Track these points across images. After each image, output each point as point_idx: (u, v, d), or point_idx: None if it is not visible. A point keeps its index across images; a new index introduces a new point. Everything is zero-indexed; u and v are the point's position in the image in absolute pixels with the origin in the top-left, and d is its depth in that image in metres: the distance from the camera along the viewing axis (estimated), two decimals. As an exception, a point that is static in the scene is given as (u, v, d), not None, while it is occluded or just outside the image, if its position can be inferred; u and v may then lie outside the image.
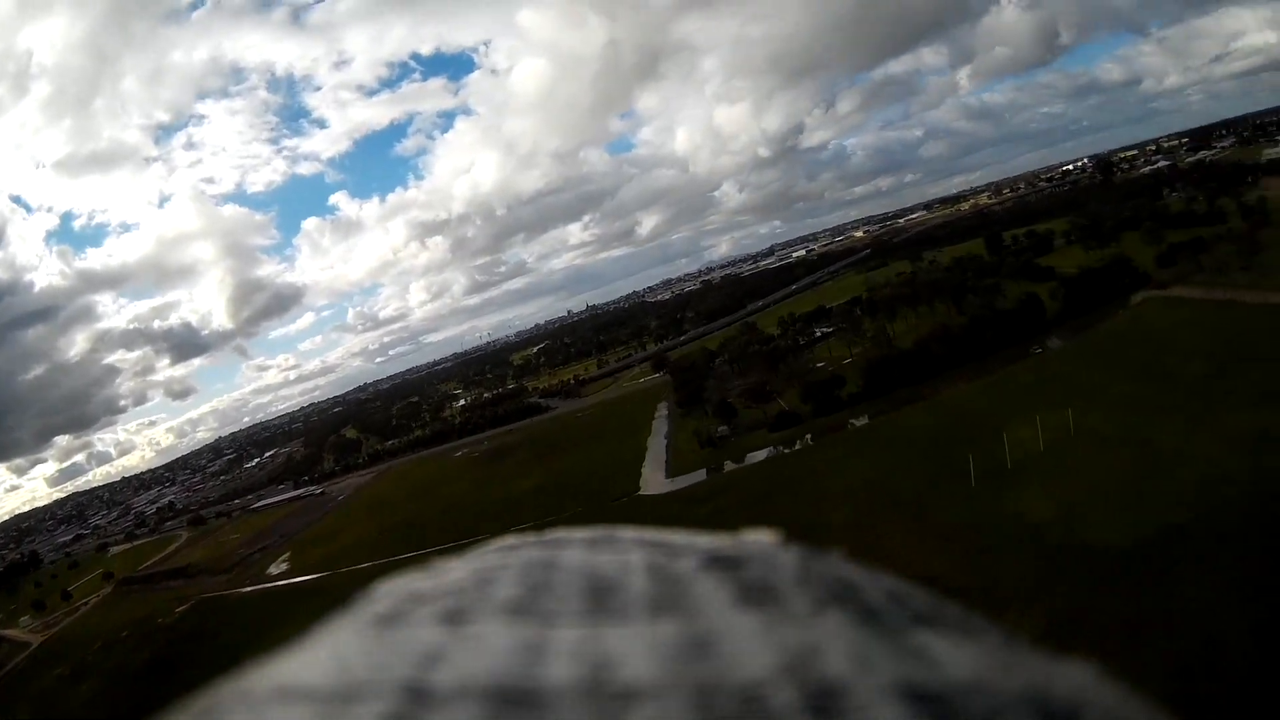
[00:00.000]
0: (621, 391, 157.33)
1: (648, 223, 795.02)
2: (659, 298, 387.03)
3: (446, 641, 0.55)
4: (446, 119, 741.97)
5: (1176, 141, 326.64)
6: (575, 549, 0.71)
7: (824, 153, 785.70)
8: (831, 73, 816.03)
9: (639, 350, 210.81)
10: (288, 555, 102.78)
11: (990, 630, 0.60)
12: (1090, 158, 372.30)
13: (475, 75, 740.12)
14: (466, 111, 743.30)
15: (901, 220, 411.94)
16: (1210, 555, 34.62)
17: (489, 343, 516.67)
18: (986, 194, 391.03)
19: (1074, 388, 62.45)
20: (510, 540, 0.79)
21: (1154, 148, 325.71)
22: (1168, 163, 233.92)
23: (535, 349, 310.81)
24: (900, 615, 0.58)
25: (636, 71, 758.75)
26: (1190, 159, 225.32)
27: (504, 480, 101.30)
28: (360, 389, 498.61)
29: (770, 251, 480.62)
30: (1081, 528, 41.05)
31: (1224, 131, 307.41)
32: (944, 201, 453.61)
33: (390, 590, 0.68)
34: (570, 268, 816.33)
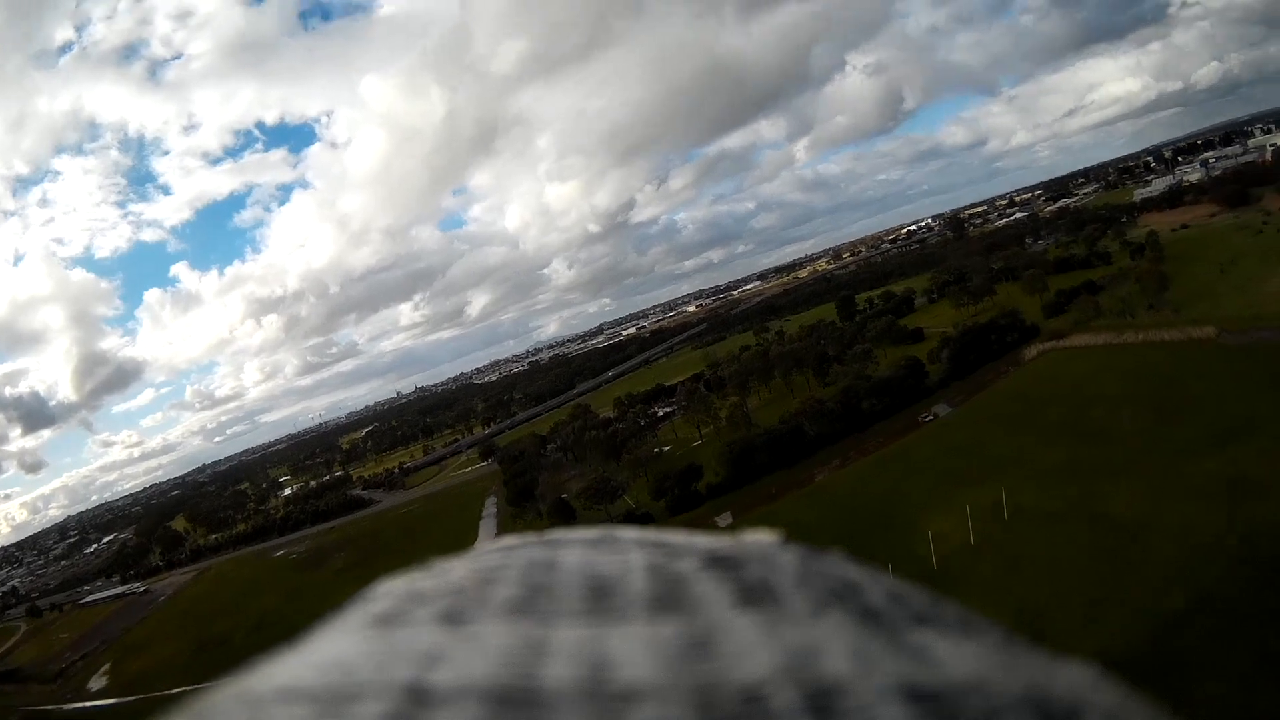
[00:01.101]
0: (448, 482, 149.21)
1: (478, 302, 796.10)
2: (486, 379, 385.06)
3: (446, 642, 0.55)
4: (285, 192, 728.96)
5: (1030, 194, 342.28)
6: (575, 549, 0.72)
7: (654, 227, 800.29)
8: (665, 149, 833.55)
9: (466, 434, 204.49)
10: (108, 666, 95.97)
11: (990, 630, 0.60)
12: (934, 217, 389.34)
13: (315, 148, 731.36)
14: (304, 185, 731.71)
15: (735, 292, 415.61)
16: (1226, 636, 29.76)
17: (321, 424, 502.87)
18: (825, 259, 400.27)
19: (991, 460, 55.71)
20: (510, 540, 0.80)
21: (1006, 201, 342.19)
22: (1026, 213, 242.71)
23: (364, 431, 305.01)
24: (900, 615, 0.59)
25: (472, 146, 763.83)
26: (1052, 208, 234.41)
27: (320, 591, 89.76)
28: (199, 470, 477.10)
29: (599, 330, 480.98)
30: (1053, 641, 32.24)
31: (1082, 180, 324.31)
32: (779, 270, 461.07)
33: (390, 590, 0.69)
34: (400, 349, 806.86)
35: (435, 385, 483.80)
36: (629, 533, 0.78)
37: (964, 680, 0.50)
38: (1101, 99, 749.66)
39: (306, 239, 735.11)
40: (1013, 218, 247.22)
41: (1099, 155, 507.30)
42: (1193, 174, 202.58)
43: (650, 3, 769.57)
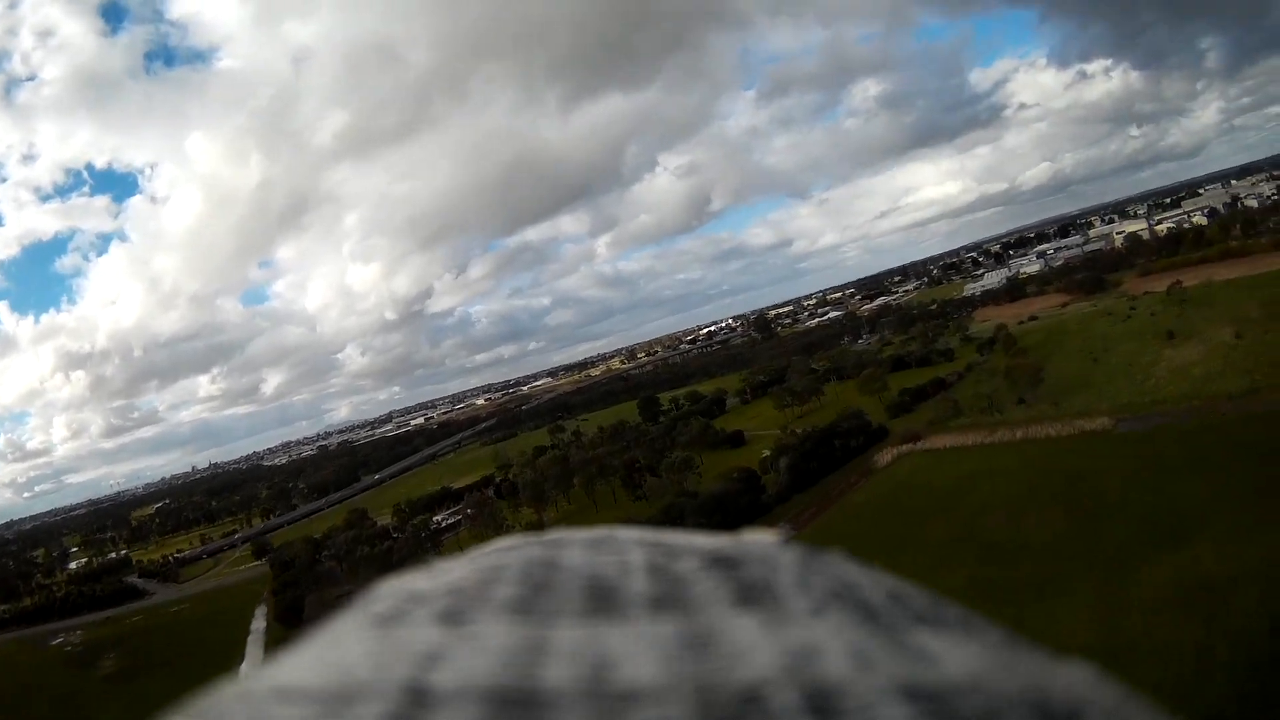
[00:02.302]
0: (221, 580, 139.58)
1: (273, 380, 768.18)
2: (276, 460, 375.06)
3: (446, 641, 0.56)
4: (104, 241, 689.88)
5: (840, 293, 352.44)
6: (575, 549, 0.74)
7: (449, 319, 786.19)
8: (468, 237, 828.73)
9: (245, 525, 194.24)
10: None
11: (990, 630, 0.62)
12: (734, 317, 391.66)
13: (137, 199, 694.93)
14: (123, 237, 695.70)
15: (525, 387, 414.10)
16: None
17: (119, 493, 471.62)
18: (619, 358, 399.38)
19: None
20: (510, 540, 0.82)
21: (814, 300, 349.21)
22: (840, 312, 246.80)
23: (154, 507, 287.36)
24: (900, 615, 0.60)
25: (282, 219, 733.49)
26: (870, 306, 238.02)
27: (88, 702, 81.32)
28: (7, 525, 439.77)
29: (389, 418, 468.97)
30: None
31: (898, 277, 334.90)
32: (570, 368, 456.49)
33: (390, 590, 0.71)
34: (198, 421, 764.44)
35: (229, 462, 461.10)
36: (629, 533, 0.79)
37: (964, 680, 0.51)
38: (918, 201, 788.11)
39: (118, 295, 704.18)
40: (826, 316, 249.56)
41: (909, 255, 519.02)
42: (1029, 266, 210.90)
43: (476, 88, 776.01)
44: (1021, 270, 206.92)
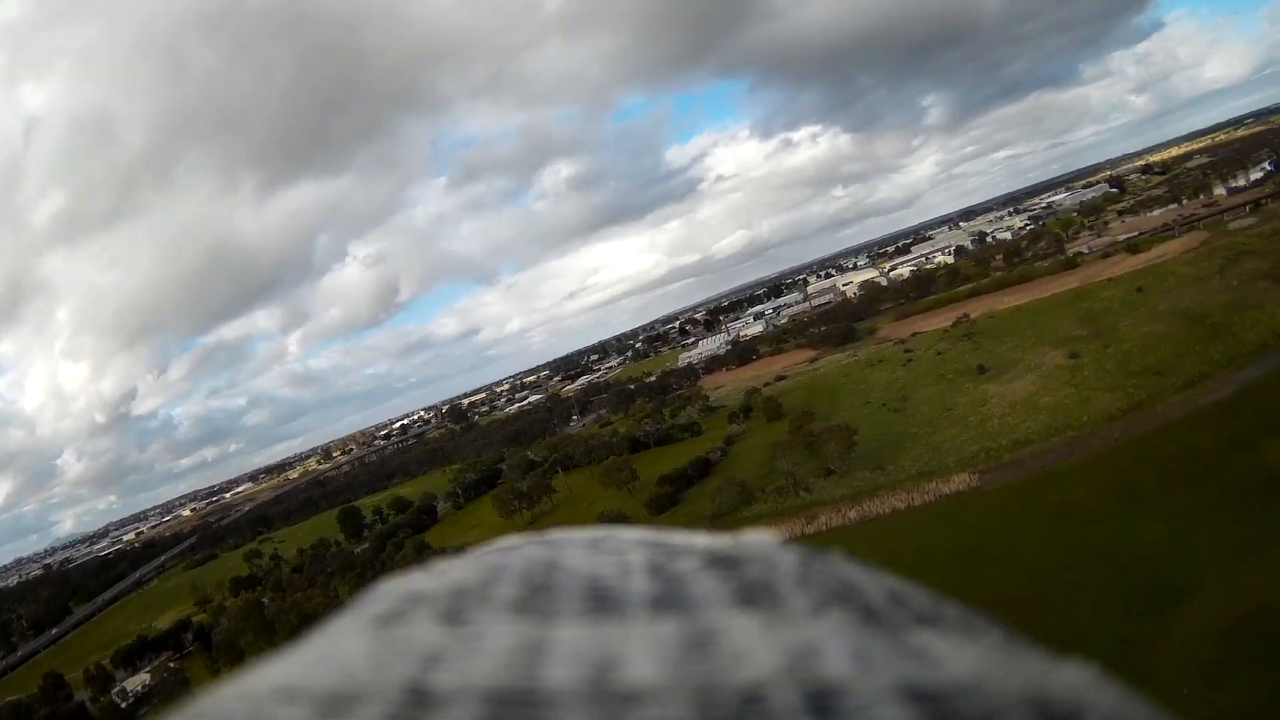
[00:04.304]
0: None
1: (1, 490, 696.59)
2: (8, 581, 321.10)
3: (447, 642, 0.56)
4: None
5: (535, 375, 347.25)
6: (576, 549, 0.74)
7: (154, 421, 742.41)
8: (168, 335, 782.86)
9: None
10: None
11: (990, 630, 0.62)
12: (426, 408, 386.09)
13: None
14: None
15: (229, 494, 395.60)
16: None
17: None
18: (315, 458, 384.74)
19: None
20: (510, 540, 0.82)
21: (508, 385, 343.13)
22: (541, 395, 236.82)
23: None
24: (900, 615, 0.60)
25: (1, 309, 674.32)
26: (572, 386, 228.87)
27: None
28: None
29: (106, 532, 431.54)
30: None
31: (596, 355, 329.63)
32: (270, 470, 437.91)
33: (390, 590, 0.70)
34: None
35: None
36: (629, 533, 0.79)
37: (964, 680, 0.51)
38: (607, 279, 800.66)
39: None
40: (527, 401, 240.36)
41: (597, 334, 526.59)
42: (750, 328, 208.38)
43: (179, 173, 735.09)
44: (743, 333, 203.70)
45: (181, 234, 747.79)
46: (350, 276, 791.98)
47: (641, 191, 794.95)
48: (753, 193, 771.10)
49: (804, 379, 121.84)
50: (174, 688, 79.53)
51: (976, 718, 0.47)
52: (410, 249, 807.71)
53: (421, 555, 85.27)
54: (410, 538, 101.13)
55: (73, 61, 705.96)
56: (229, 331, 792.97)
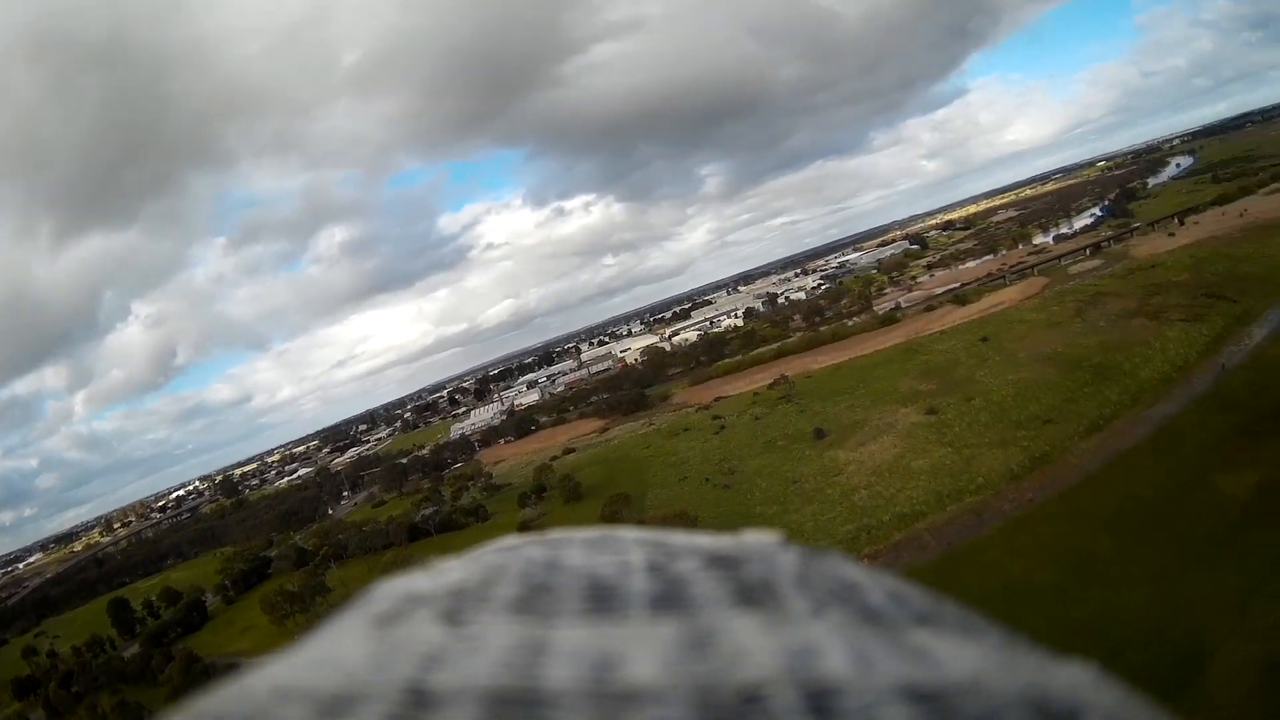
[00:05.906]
0: None
1: None
2: None
3: (447, 642, 0.57)
4: None
5: (305, 446, 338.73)
6: (576, 548, 0.75)
7: None
8: None
9: None
10: None
11: (990, 630, 0.62)
12: (201, 478, 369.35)
13: None
14: None
15: (22, 564, 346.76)
16: None
17: None
18: (99, 528, 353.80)
19: None
20: (510, 540, 0.83)
21: (278, 457, 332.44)
22: (312, 469, 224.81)
23: None
24: (900, 615, 0.61)
25: None
26: (343, 459, 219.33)
27: None
28: None
29: None
30: None
31: (365, 425, 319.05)
32: (60, 539, 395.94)
33: (390, 590, 0.71)
34: None
35: None
36: (629, 532, 0.81)
37: (964, 680, 0.51)
38: (374, 348, 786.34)
39: None
40: (296, 475, 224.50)
41: (365, 403, 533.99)
42: (524, 397, 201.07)
43: None
44: (517, 402, 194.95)
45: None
46: (132, 336, 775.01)
47: (412, 259, 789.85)
48: (522, 261, 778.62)
49: (598, 451, 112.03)
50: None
51: (976, 717, 0.47)
52: (189, 311, 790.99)
53: (189, 667, 74.42)
54: (181, 638, 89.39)
55: None
56: (22, 387, 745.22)
